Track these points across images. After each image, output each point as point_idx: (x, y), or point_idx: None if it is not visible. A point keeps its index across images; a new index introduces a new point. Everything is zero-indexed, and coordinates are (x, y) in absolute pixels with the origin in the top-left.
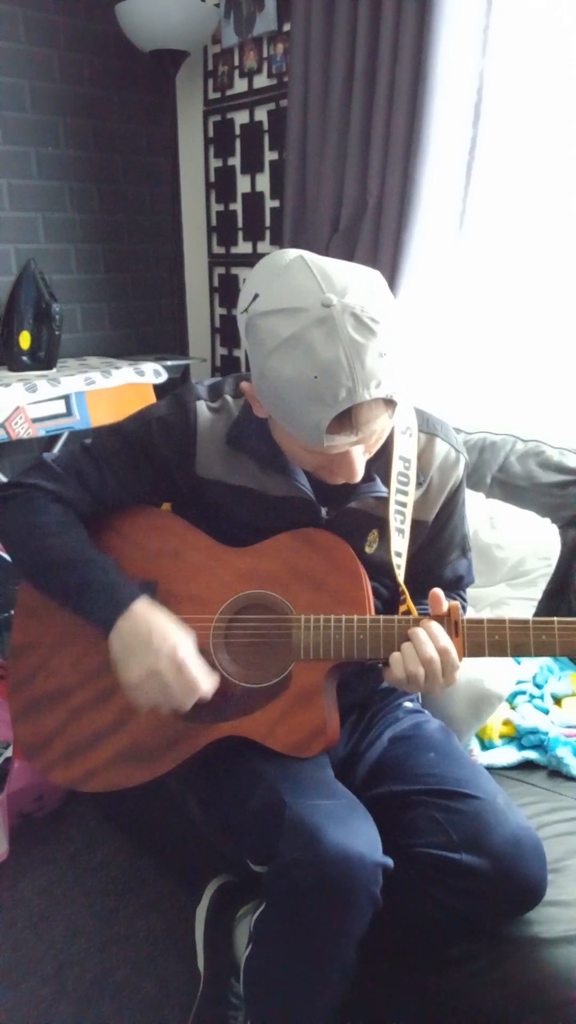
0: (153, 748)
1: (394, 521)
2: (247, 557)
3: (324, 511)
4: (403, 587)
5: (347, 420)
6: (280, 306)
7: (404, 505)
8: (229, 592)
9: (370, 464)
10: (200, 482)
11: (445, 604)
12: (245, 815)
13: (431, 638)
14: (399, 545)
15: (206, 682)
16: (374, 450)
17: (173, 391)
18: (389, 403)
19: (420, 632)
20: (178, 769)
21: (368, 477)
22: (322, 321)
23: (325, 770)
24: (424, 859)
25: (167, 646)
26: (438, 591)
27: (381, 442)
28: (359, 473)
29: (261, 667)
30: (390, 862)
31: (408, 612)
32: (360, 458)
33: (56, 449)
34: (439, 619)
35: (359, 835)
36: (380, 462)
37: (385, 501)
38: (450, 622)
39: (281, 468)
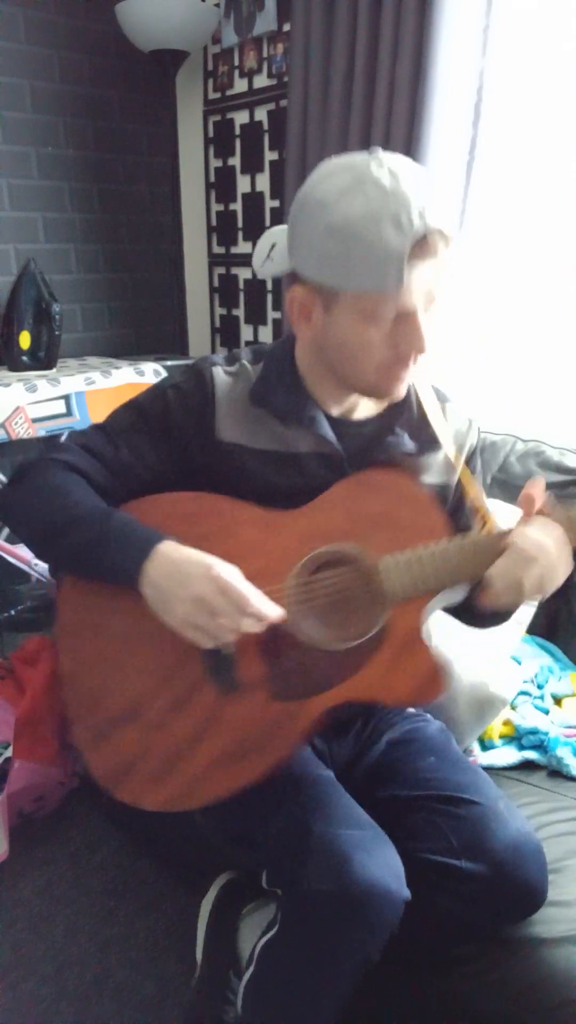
0: (254, 740)
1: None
2: (305, 517)
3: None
4: (479, 506)
5: (425, 246)
6: (333, 171)
7: (431, 463)
8: (295, 557)
9: (393, 419)
10: (220, 448)
11: (538, 501)
12: (265, 834)
13: (540, 528)
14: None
15: (262, 601)
16: (436, 323)
17: (189, 364)
18: (450, 248)
19: (518, 538)
20: (291, 753)
21: (392, 432)
22: (380, 164)
23: (345, 795)
24: (424, 864)
25: (201, 569)
26: (531, 491)
27: (440, 313)
28: (429, 342)
29: (352, 624)
30: (409, 894)
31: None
32: (428, 326)
33: None
34: (541, 513)
35: (387, 868)
36: (404, 418)
37: (412, 457)
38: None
39: (306, 421)
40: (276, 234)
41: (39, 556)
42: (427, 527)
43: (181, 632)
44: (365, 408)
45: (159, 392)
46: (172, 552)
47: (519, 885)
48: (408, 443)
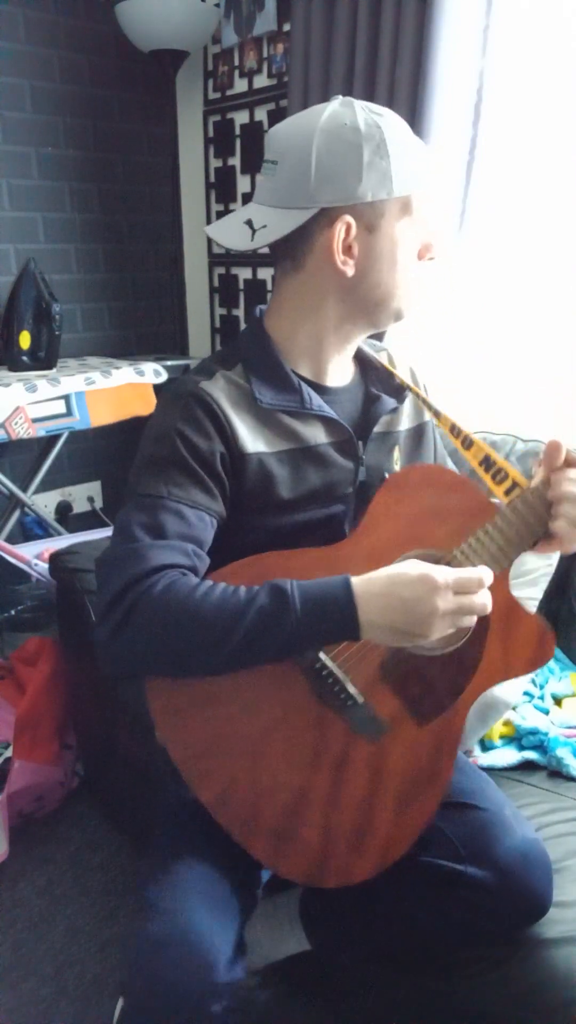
0: (425, 769)
1: (407, 424)
2: (361, 542)
3: (361, 446)
4: (500, 462)
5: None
6: (324, 112)
7: (406, 411)
8: None
9: (368, 381)
10: (246, 462)
11: (564, 450)
12: (151, 844)
13: None
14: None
15: (475, 572)
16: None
17: (164, 398)
18: None
19: (568, 485)
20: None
21: (375, 397)
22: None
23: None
24: (429, 870)
25: (420, 587)
26: (558, 441)
27: None
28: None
29: None
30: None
31: (517, 483)
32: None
33: (54, 451)
34: (569, 465)
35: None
36: (373, 376)
37: (397, 413)
38: None
39: (313, 407)
40: (227, 223)
41: (205, 672)
42: (476, 507)
43: (438, 638)
44: (341, 373)
45: (172, 434)
46: (368, 588)
47: (525, 893)
48: (389, 401)
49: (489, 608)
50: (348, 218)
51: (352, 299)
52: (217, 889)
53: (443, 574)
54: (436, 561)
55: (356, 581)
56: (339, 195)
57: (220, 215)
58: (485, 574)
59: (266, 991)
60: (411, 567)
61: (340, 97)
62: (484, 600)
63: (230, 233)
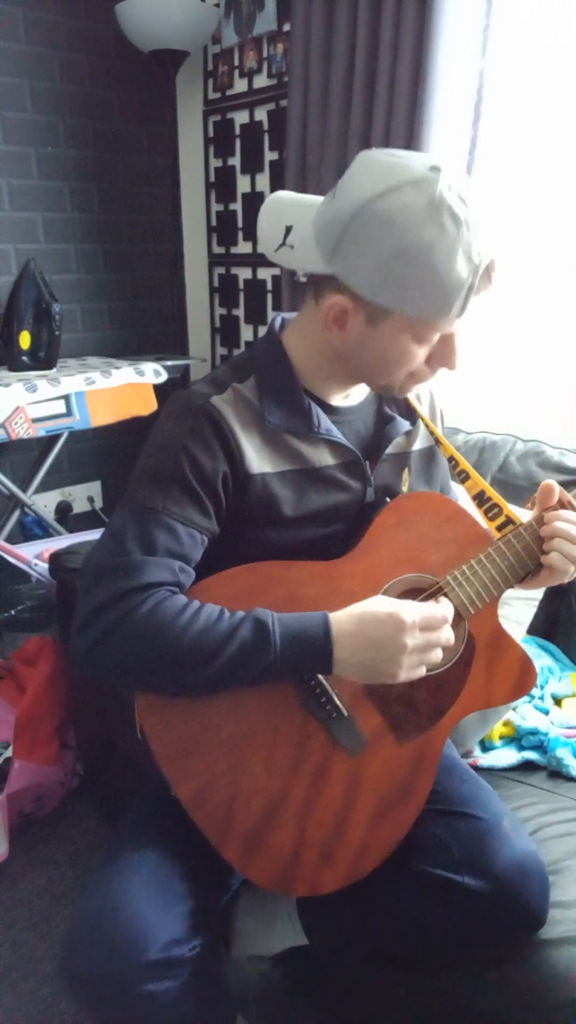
0: (400, 786)
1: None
2: (359, 560)
3: (369, 466)
4: (495, 498)
5: (487, 276)
6: (397, 185)
7: (420, 434)
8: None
9: (383, 400)
10: (251, 482)
11: (557, 491)
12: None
13: (570, 519)
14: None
15: (439, 609)
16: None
17: (173, 407)
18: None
19: (560, 523)
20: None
21: (388, 417)
22: (448, 186)
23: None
24: (425, 878)
25: (389, 626)
26: (550, 483)
27: None
28: (461, 360)
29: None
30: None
31: (510, 520)
32: (462, 341)
33: (54, 451)
34: (562, 505)
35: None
36: (395, 403)
37: (410, 434)
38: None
39: (321, 431)
40: (286, 211)
41: (177, 692)
42: (472, 537)
43: (406, 679)
44: (351, 393)
45: (177, 448)
46: (341, 627)
47: (520, 906)
48: (403, 423)
49: (452, 640)
50: (346, 301)
51: (341, 360)
52: (163, 871)
53: (410, 612)
54: (429, 586)
55: (332, 619)
56: (347, 276)
57: (220, 215)
58: (448, 610)
59: (277, 972)
60: (379, 605)
61: (438, 168)
62: (449, 634)
63: (271, 225)
